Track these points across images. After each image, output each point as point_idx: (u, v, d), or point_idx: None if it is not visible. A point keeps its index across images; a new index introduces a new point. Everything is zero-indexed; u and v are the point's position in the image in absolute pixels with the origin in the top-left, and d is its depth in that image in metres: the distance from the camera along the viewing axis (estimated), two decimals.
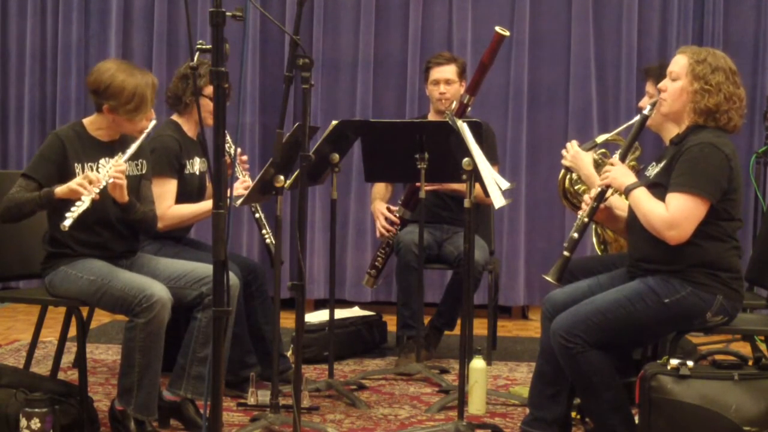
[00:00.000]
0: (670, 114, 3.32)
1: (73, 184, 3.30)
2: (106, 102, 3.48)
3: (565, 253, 3.40)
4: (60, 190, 3.32)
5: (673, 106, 3.29)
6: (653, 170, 3.39)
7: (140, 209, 3.56)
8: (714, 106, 3.21)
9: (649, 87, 3.80)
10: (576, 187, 4.05)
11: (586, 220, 3.42)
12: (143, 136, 3.55)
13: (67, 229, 3.23)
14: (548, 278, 3.40)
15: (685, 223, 3.14)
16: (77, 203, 3.27)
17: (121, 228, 3.58)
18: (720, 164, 3.16)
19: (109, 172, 3.38)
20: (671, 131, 3.52)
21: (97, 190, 3.30)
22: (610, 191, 3.43)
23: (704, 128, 3.24)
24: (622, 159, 3.45)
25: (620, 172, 3.35)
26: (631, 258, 3.42)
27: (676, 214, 3.14)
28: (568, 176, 4.05)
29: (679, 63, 3.28)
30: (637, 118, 3.89)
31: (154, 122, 3.61)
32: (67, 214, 3.24)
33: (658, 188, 3.24)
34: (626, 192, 3.28)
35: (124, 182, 3.43)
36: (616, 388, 3.25)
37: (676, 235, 3.15)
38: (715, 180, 3.16)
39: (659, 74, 3.70)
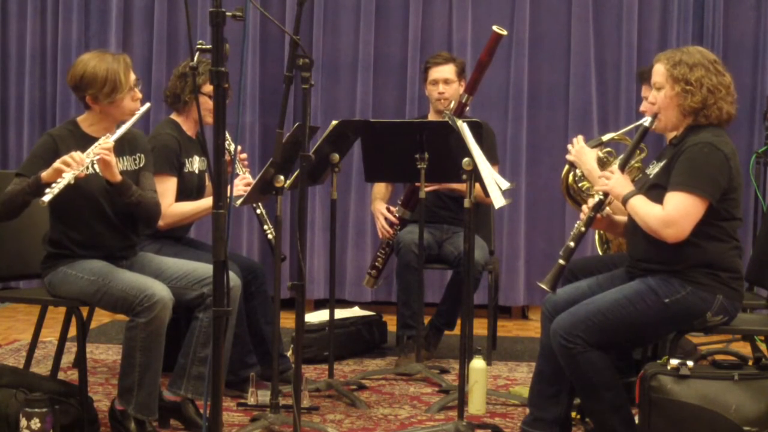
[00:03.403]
0: (669, 124, 3.32)
1: (56, 163, 3.28)
2: (86, 93, 3.49)
3: (561, 261, 3.39)
4: (45, 173, 3.29)
5: (667, 115, 3.29)
6: (653, 169, 3.39)
7: (136, 191, 3.52)
8: (699, 104, 3.21)
9: (646, 90, 3.80)
10: (580, 184, 4.05)
11: (582, 229, 3.41)
12: (135, 117, 3.53)
13: (45, 204, 3.20)
14: (543, 285, 3.39)
15: (682, 220, 3.14)
16: (58, 180, 3.24)
17: (118, 223, 3.56)
18: (719, 164, 3.16)
19: (94, 150, 3.36)
20: (673, 132, 3.53)
21: (83, 168, 3.27)
22: (607, 201, 3.42)
23: (702, 127, 3.24)
24: (623, 167, 3.44)
25: (618, 182, 3.34)
26: (631, 258, 3.42)
27: (672, 212, 3.14)
28: (571, 173, 4.05)
29: (659, 72, 3.28)
30: (639, 123, 3.90)
31: (148, 105, 3.60)
32: (47, 190, 3.22)
33: (658, 189, 3.24)
34: (624, 201, 3.28)
35: (112, 158, 3.39)
36: (616, 388, 3.25)
37: (673, 233, 3.15)
38: (714, 180, 3.16)
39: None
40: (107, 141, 3.42)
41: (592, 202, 3.42)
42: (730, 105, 3.25)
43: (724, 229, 3.23)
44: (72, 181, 3.25)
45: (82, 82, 3.47)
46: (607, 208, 3.45)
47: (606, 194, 3.38)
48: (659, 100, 3.29)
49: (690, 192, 3.13)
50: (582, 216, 3.44)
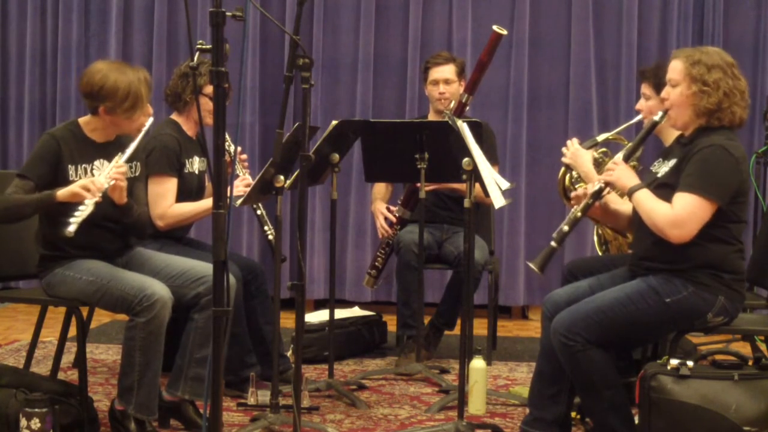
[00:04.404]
0: (679, 122, 3.31)
1: (75, 187, 3.27)
2: (101, 104, 3.44)
3: (553, 243, 3.39)
4: (62, 193, 3.28)
5: (680, 113, 3.28)
6: (659, 167, 3.38)
7: (136, 211, 3.53)
8: (715, 106, 3.20)
9: (645, 89, 3.80)
10: (577, 186, 4.05)
11: (579, 214, 3.42)
12: (141, 134, 3.51)
13: (72, 234, 3.19)
14: (532, 265, 3.38)
15: (690, 222, 3.13)
16: (80, 207, 3.23)
17: (111, 226, 3.55)
18: (730, 168, 3.16)
19: (110, 173, 3.35)
20: (672, 132, 3.53)
21: (100, 194, 3.27)
22: (607, 190, 3.43)
23: (714, 129, 3.23)
24: (626, 159, 3.44)
25: (624, 173, 3.34)
26: (635, 256, 3.42)
27: (681, 213, 3.13)
28: (568, 175, 4.06)
29: (676, 68, 3.27)
30: (637, 119, 3.90)
31: (152, 119, 3.59)
32: (71, 219, 3.20)
33: (666, 189, 3.23)
34: (629, 194, 3.27)
35: (125, 184, 3.40)
36: (616, 387, 3.25)
37: (679, 234, 3.15)
38: (724, 183, 3.16)
39: (655, 75, 3.71)
40: (120, 164, 3.40)
41: (591, 188, 3.42)
42: (743, 110, 3.25)
43: (729, 231, 3.23)
44: (93, 209, 3.24)
45: (100, 94, 3.42)
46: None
47: (607, 183, 3.38)
48: (673, 97, 3.27)
49: (700, 194, 3.13)
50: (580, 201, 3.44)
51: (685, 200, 3.14)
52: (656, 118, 3.40)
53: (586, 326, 3.20)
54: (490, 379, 4.38)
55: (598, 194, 3.40)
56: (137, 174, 3.66)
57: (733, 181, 3.17)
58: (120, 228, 3.58)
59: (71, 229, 3.20)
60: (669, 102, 3.30)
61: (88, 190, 3.25)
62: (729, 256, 3.24)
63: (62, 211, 3.28)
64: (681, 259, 3.21)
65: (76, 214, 3.22)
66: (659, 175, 3.34)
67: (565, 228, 3.40)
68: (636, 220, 3.38)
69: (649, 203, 3.22)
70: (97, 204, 3.26)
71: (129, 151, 3.46)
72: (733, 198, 3.18)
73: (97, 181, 3.29)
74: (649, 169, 3.49)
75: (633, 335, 3.34)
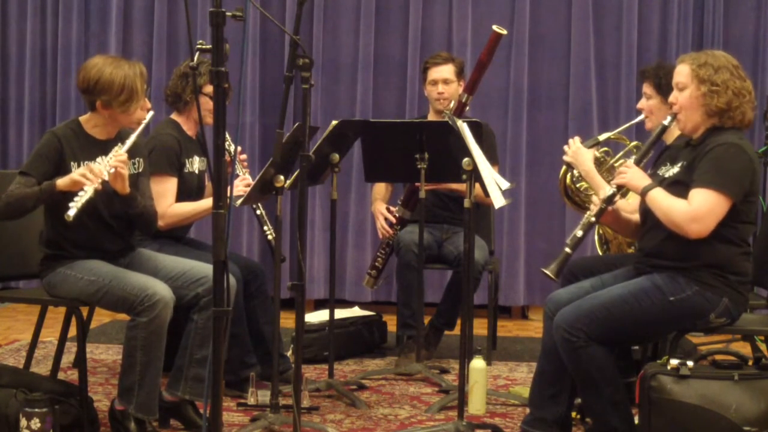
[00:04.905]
0: (688, 124, 3.31)
1: (75, 174, 3.28)
2: (98, 98, 3.46)
3: (567, 249, 3.40)
4: (62, 181, 3.30)
5: (689, 115, 3.29)
6: (666, 171, 3.38)
7: (141, 203, 3.54)
8: (726, 105, 3.22)
9: (646, 88, 3.81)
10: (578, 185, 4.06)
11: (593, 219, 3.42)
12: (141, 127, 3.52)
13: (71, 219, 3.20)
14: (547, 272, 3.39)
15: (708, 217, 3.14)
16: (80, 193, 3.24)
17: (114, 225, 3.55)
18: (744, 165, 3.19)
19: (110, 162, 3.36)
20: (673, 133, 3.54)
21: (100, 180, 3.28)
22: (619, 194, 3.44)
23: (724, 130, 3.24)
24: (638, 163, 3.44)
25: (636, 175, 3.35)
26: (641, 252, 3.42)
27: (699, 208, 3.14)
28: (569, 173, 4.06)
29: (683, 72, 3.28)
30: (639, 119, 3.90)
31: (151, 113, 3.59)
32: (71, 204, 3.22)
33: (679, 187, 3.24)
34: (643, 193, 3.28)
35: (126, 172, 3.40)
36: (616, 384, 3.25)
37: (697, 229, 3.15)
38: (739, 180, 3.17)
39: (655, 75, 3.72)
40: (121, 153, 3.40)
41: (603, 194, 3.43)
42: (751, 111, 3.28)
43: (738, 232, 3.24)
44: (92, 195, 3.25)
45: (97, 87, 3.43)
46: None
47: (619, 187, 3.39)
48: (682, 101, 3.28)
49: (717, 190, 3.14)
50: (592, 207, 3.45)
51: (703, 196, 3.15)
52: (665, 122, 3.41)
53: (589, 322, 3.20)
54: (490, 379, 4.38)
55: (611, 199, 3.42)
56: (141, 170, 3.67)
57: (747, 178, 3.19)
58: (123, 228, 3.59)
59: (71, 213, 3.21)
60: (678, 106, 3.31)
61: (87, 177, 3.26)
62: (735, 258, 3.25)
63: (64, 203, 3.28)
64: (688, 256, 3.21)
65: (75, 199, 3.23)
66: (667, 176, 3.35)
67: (579, 233, 3.41)
68: (645, 218, 3.38)
69: (665, 201, 3.22)
70: (97, 192, 3.27)
71: (129, 141, 3.47)
72: (745, 196, 3.20)
73: (96, 168, 3.30)
74: (655, 172, 3.49)
75: (635, 333, 3.34)
